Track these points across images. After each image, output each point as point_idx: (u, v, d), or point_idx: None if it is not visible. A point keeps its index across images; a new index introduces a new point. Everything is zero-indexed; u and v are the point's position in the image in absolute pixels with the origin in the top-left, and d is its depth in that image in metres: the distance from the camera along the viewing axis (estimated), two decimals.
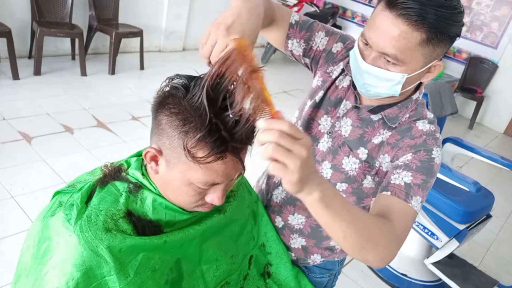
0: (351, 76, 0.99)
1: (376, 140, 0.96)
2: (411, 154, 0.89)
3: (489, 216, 2.37)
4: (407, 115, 0.95)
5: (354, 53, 0.90)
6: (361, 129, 0.97)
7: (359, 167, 0.97)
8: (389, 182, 0.87)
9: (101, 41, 4.43)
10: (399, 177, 0.86)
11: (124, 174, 0.81)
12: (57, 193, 0.80)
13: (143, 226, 0.77)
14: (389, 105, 0.95)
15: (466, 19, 5.67)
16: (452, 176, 2.19)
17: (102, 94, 3.72)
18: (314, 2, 6.39)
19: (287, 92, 4.95)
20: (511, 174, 3.45)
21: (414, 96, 0.96)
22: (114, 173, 0.81)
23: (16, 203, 2.26)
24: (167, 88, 0.73)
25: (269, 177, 1.16)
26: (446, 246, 2.23)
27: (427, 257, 2.38)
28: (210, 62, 0.72)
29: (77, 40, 3.90)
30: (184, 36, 5.29)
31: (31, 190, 2.37)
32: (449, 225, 2.18)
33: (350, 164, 0.98)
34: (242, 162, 0.74)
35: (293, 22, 1.02)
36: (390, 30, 0.80)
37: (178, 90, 0.71)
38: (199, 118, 0.68)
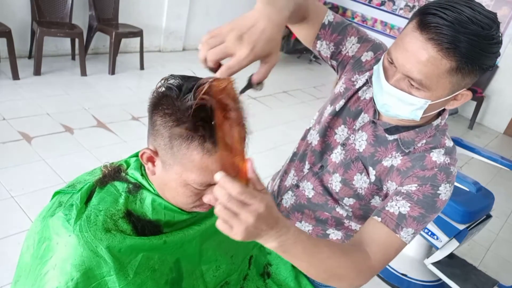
0: None
1: (386, 162, 0.92)
2: (416, 185, 0.85)
3: (489, 216, 2.37)
4: (424, 141, 0.90)
5: (378, 70, 0.85)
6: (373, 148, 0.94)
7: (367, 187, 0.95)
8: (383, 207, 0.86)
9: (101, 41, 4.43)
10: (395, 205, 0.84)
11: (124, 174, 0.81)
12: (57, 193, 0.80)
13: (143, 226, 0.77)
14: (407, 128, 0.90)
15: None
16: None
17: (102, 94, 3.72)
18: None
19: (287, 92, 4.95)
20: (511, 174, 3.45)
21: (435, 122, 0.90)
22: (113, 174, 0.81)
23: (16, 203, 2.26)
24: (162, 89, 0.73)
25: (282, 180, 1.15)
26: (446, 246, 2.22)
27: (427, 257, 2.37)
28: (205, 60, 0.68)
29: (77, 40, 3.90)
30: (184, 36, 5.29)
31: (31, 190, 2.37)
32: (449, 225, 2.18)
33: (361, 182, 0.96)
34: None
35: (326, 23, 0.96)
36: (419, 53, 0.75)
37: (172, 90, 0.70)
38: (192, 119, 0.67)
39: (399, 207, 0.83)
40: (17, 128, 2.89)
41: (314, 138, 1.05)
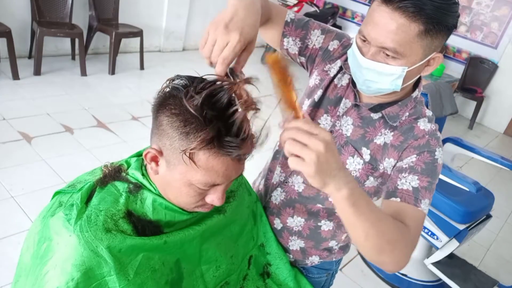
0: (349, 74, 0.99)
1: (379, 140, 0.95)
2: (415, 155, 0.89)
3: (489, 216, 2.37)
4: (407, 114, 0.95)
5: (353, 51, 0.89)
6: (362, 129, 0.97)
7: (362, 168, 0.97)
8: (396, 187, 0.87)
9: (101, 41, 4.43)
10: (406, 181, 0.87)
11: (124, 174, 0.81)
12: (57, 193, 0.80)
13: (143, 226, 0.77)
14: (389, 104, 0.95)
15: (466, 19, 5.68)
16: (452, 176, 2.19)
17: (102, 94, 3.72)
18: (314, 2, 6.39)
19: None
20: (511, 174, 3.45)
21: (414, 94, 0.96)
22: (114, 173, 0.81)
23: (16, 203, 2.26)
24: (168, 89, 0.73)
25: (267, 179, 1.15)
26: (446, 246, 2.23)
27: (427, 257, 2.38)
28: (211, 62, 0.72)
29: (77, 40, 3.90)
30: (184, 36, 5.29)
31: (31, 190, 2.37)
32: (449, 225, 2.18)
33: (354, 165, 0.97)
34: (242, 164, 0.74)
35: (289, 20, 1.01)
36: (388, 24, 0.80)
37: (178, 90, 0.71)
38: (199, 119, 0.68)
39: (409, 183, 0.86)
40: (17, 128, 2.89)
41: None
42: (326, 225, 1.07)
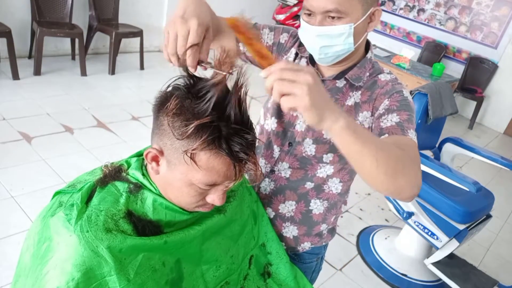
0: (306, 57, 1.06)
1: (349, 102, 1.00)
2: (387, 99, 0.95)
3: (489, 216, 2.37)
4: (368, 74, 1.01)
5: (302, 27, 0.96)
6: (332, 98, 1.01)
7: None
8: (381, 128, 0.91)
9: (101, 41, 4.43)
10: (387, 121, 0.91)
11: (124, 174, 0.81)
12: (57, 193, 0.80)
13: (143, 227, 0.77)
14: (349, 68, 1.01)
15: (466, 19, 5.68)
16: (452, 176, 2.19)
17: (102, 94, 3.72)
18: None
19: None
20: (511, 174, 3.45)
21: (368, 56, 1.03)
22: (114, 173, 0.81)
23: (16, 203, 2.26)
24: (169, 88, 0.73)
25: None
26: (446, 246, 2.23)
27: (427, 257, 2.38)
28: (178, 59, 0.74)
29: (77, 40, 3.91)
30: None
31: (31, 190, 2.37)
32: (449, 225, 2.18)
33: None
34: (243, 164, 0.74)
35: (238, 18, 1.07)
36: None
37: (180, 90, 0.71)
38: (201, 120, 0.68)
39: (391, 120, 0.90)
40: (17, 128, 2.89)
41: (271, 124, 1.11)
42: (317, 208, 1.11)
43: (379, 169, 0.71)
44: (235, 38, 1.06)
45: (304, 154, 1.06)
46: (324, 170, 1.07)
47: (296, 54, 1.08)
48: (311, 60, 1.04)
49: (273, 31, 1.11)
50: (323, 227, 1.15)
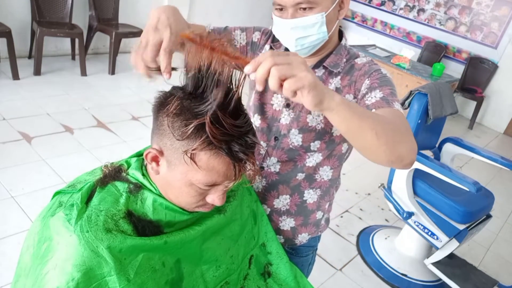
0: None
1: (330, 87, 1.02)
2: (367, 79, 0.97)
3: (489, 216, 2.37)
4: (344, 60, 1.04)
5: (275, 23, 0.98)
6: None
7: (324, 117, 1.03)
8: (367, 106, 0.92)
9: (101, 41, 4.43)
10: (372, 98, 0.92)
11: (124, 174, 0.82)
12: (57, 193, 0.80)
13: (143, 227, 0.77)
14: (326, 57, 1.03)
15: (466, 19, 5.68)
16: (452, 176, 2.18)
17: (102, 94, 3.72)
18: None
19: None
20: (511, 174, 3.45)
21: (343, 42, 1.05)
22: (114, 173, 0.81)
23: (16, 203, 2.26)
24: (169, 89, 0.73)
25: None
26: (446, 246, 2.23)
27: (427, 257, 2.38)
28: (148, 68, 0.76)
29: (77, 40, 3.91)
30: None
31: (31, 190, 2.37)
32: (449, 225, 2.18)
33: (315, 119, 1.03)
34: (243, 165, 0.74)
35: (209, 31, 1.09)
36: None
37: (179, 90, 0.71)
38: (200, 120, 0.68)
39: (375, 96, 0.92)
40: (17, 128, 2.89)
41: (255, 121, 1.12)
42: (310, 197, 1.13)
43: (380, 141, 0.73)
44: None
45: (291, 146, 1.07)
46: (313, 159, 1.08)
47: (271, 48, 1.10)
48: None
49: (244, 31, 1.13)
50: (319, 215, 1.17)
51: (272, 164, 1.11)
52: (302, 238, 1.19)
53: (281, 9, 0.95)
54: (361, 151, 0.78)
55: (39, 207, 0.75)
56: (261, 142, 1.11)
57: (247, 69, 0.64)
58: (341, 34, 1.07)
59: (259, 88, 0.65)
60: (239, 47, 1.12)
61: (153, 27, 0.77)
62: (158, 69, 0.77)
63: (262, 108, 1.10)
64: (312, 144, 1.06)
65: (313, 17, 0.93)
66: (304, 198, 1.13)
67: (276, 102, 1.08)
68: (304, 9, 0.92)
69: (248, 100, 1.16)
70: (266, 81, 0.64)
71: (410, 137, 0.81)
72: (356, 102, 0.98)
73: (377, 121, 0.74)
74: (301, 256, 1.22)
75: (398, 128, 0.79)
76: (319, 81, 0.65)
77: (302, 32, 0.95)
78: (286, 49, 1.05)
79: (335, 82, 1.02)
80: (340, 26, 1.05)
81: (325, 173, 1.11)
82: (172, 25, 0.77)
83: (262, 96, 1.10)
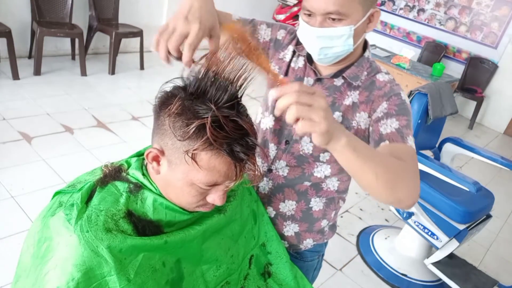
0: (303, 56, 1.06)
1: (347, 101, 1.01)
2: (385, 102, 0.96)
3: (489, 216, 2.37)
4: (365, 73, 1.02)
5: (302, 28, 0.96)
6: (330, 97, 1.02)
7: None
8: (381, 133, 0.92)
9: (101, 41, 4.43)
10: (387, 126, 0.92)
11: (125, 174, 0.81)
12: (57, 193, 0.80)
13: (144, 226, 0.77)
14: (347, 67, 1.02)
15: (466, 19, 5.68)
16: (452, 176, 2.19)
17: (102, 94, 3.72)
18: None
19: None
20: (511, 174, 3.45)
21: (366, 55, 1.03)
22: (114, 173, 0.81)
23: (16, 203, 2.26)
24: (170, 88, 0.73)
25: None
26: (446, 246, 2.23)
27: (427, 257, 2.38)
28: (169, 54, 0.75)
29: (77, 40, 3.91)
30: None
31: (31, 190, 2.37)
32: (449, 225, 2.18)
33: None
34: (243, 165, 0.74)
35: (235, 20, 1.08)
36: None
37: (180, 90, 0.71)
38: (201, 120, 0.68)
39: (391, 125, 0.92)
40: (17, 128, 2.89)
41: (268, 122, 1.12)
42: (316, 205, 1.12)
43: (378, 183, 0.76)
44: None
45: (301, 152, 1.06)
46: (321, 170, 1.07)
47: (294, 52, 1.09)
48: (309, 59, 1.05)
49: (270, 27, 1.11)
50: (324, 223, 1.16)
51: (281, 168, 1.10)
52: (307, 243, 1.17)
53: (309, 15, 0.92)
54: (361, 187, 0.80)
55: (39, 207, 0.75)
56: (272, 144, 1.10)
57: (272, 94, 0.65)
58: (365, 46, 1.05)
59: (277, 114, 0.66)
60: (262, 42, 1.11)
61: (183, 15, 0.74)
62: (179, 58, 0.75)
63: None
64: (322, 154, 1.05)
65: (342, 29, 0.91)
66: (310, 205, 1.12)
67: None
68: (333, 19, 0.90)
69: (265, 99, 1.15)
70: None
71: (413, 181, 0.81)
72: (369, 121, 0.98)
73: (380, 164, 0.75)
74: (305, 260, 1.20)
75: (403, 171, 0.80)
76: (332, 126, 0.65)
77: (327, 42, 0.93)
78: (309, 55, 1.03)
79: (353, 96, 1.01)
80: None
81: (332, 184, 1.10)
82: (203, 18, 0.75)
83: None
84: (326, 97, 1.02)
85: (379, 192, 0.78)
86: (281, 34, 1.11)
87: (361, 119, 1.00)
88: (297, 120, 0.64)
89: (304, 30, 0.95)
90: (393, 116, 0.93)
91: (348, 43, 0.93)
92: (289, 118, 0.64)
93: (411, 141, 0.90)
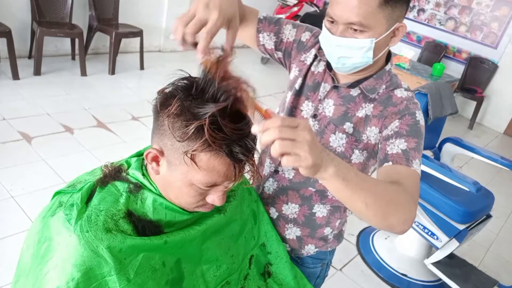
0: (324, 61, 1.05)
1: (360, 113, 0.99)
2: (397, 120, 0.93)
3: (489, 216, 2.37)
4: (384, 86, 0.99)
5: (323, 34, 0.95)
6: (344, 106, 1.01)
7: (346, 141, 1.01)
8: (386, 153, 0.91)
9: (101, 41, 4.43)
10: (394, 146, 0.90)
11: (124, 174, 0.81)
12: (57, 193, 0.80)
13: (143, 227, 0.77)
14: (365, 78, 0.99)
15: (466, 19, 5.68)
16: (452, 176, 2.19)
17: (102, 94, 3.72)
18: (314, 2, 6.39)
19: None
20: (511, 174, 3.45)
21: (387, 67, 1.01)
22: (114, 173, 0.81)
23: (16, 203, 2.26)
24: (169, 89, 0.73)
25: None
26: (446, 246, 2.23)
27: (427, 257, 2.38)
28: (183, 40, 0.74)
29: (77, 40, 3.90)
30: None
31: (31, 190, 2.37)
32: (449, 225, 2.18)
33: (338, 141, 1.01)
34: (242, 165, 0.74)
35: (262, 18, 1.08)
36: (350, 1, 0.86)
37: (180, 90, 0.71)
38: (201, 121, 0.68)
39: (398, 146, 0.90)
40: (17, 128, 2.89)
41: None
42: (320, 211, 1.11)
43: (368, 211, 0.74)
44: (256, 29, 1.08)
45: None
46: None
47: (315, 56, 1.07)
48: (329, 65, 1.03)
49: (296, 28, 1.10)
50: (327, 231, 1.13)
51: (287, 170, 1.09)
52: (309, 249, 1.15)
53: (332, 22, 0.91)
54: (352, 213, 0.79)
55: (39, 207, 0.75)
56: None
57: (254, 129, 0.63)
58: (388, 58, 1.02)
59: (262, 148, 0.64)
60: (285, 41, 1.10)
61: (205, 2, 0.74)
62: (194, 45, 0.74)
63: (292, 110, 1.08)
64: None
65: (362, 41, 0.89)
66: (314, 211, 1.11)
67: (306, 109, 1.06)
68: (355, 30, 0.88)
69: (284, 99, 1.14)
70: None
71: (409, 207, 0.79)
72: (379, 138, 0.96)
73: (370, 192, 0.73)
74: (306, 267, 1.18)
75: (397, 199, 0.78)
76: (318, 157, 0.63)
77: (346, 52, 0.91)
78: (328, 62, 1.02)
79: (367, 108, 0.99)
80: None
81: None
82: (223, 7, 0.75)
83: (296, 99, 1.08)
84: (340, 106, 1.01)
85: (369, 220, 0.77)
86: (305, 36, 1.09)
87: (371, 133, 0.98)
88: (282, 154, 0.62)
89: (325, 37, 0.94)
90: (402, 136, 0.90)
91: (367, 55, 0.91)
92: (273, 153, 0.61)
93: (416, 165, 0.88)
